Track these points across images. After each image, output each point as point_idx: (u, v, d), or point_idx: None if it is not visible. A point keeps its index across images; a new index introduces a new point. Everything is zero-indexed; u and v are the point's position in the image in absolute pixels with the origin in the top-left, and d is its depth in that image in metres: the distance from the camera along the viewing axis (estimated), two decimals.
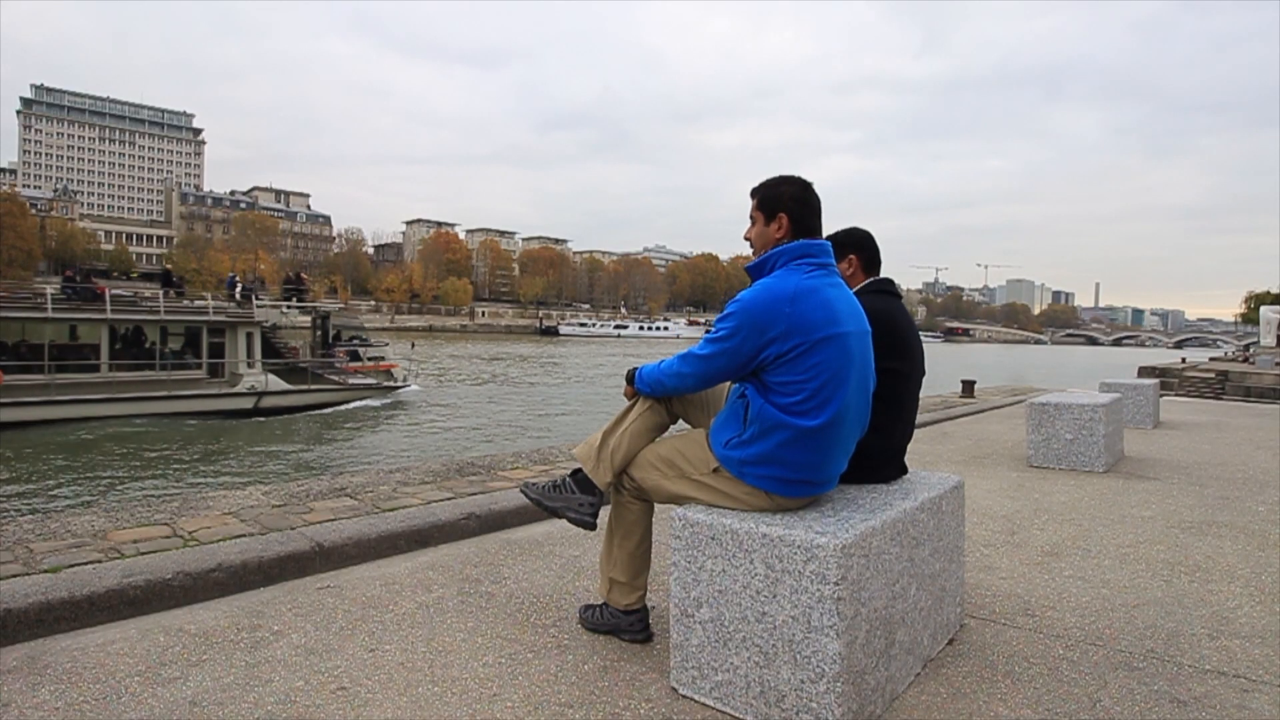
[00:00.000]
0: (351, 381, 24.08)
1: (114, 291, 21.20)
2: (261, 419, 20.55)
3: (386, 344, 30.30)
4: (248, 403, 20.79)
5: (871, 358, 2.11)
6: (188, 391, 19.90)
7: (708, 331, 2.11)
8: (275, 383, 21.48)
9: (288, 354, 24.42)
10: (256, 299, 23.96)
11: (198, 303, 22.76)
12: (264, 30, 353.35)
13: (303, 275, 30.23)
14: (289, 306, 24.67)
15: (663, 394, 2.23)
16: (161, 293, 22.35)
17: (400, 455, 17.10)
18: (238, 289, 24.77)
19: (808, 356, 1.91)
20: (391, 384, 25.19)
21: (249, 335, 21.30)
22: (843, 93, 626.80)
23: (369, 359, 26.33)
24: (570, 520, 2.28)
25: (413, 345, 38.45)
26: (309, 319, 25.26)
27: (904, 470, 2.47)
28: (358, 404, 23.17)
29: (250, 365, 21.27)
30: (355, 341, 27.53)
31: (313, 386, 22.64)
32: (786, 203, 2.11)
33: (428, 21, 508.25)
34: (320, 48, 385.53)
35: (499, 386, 32.35)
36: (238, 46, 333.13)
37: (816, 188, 2.18)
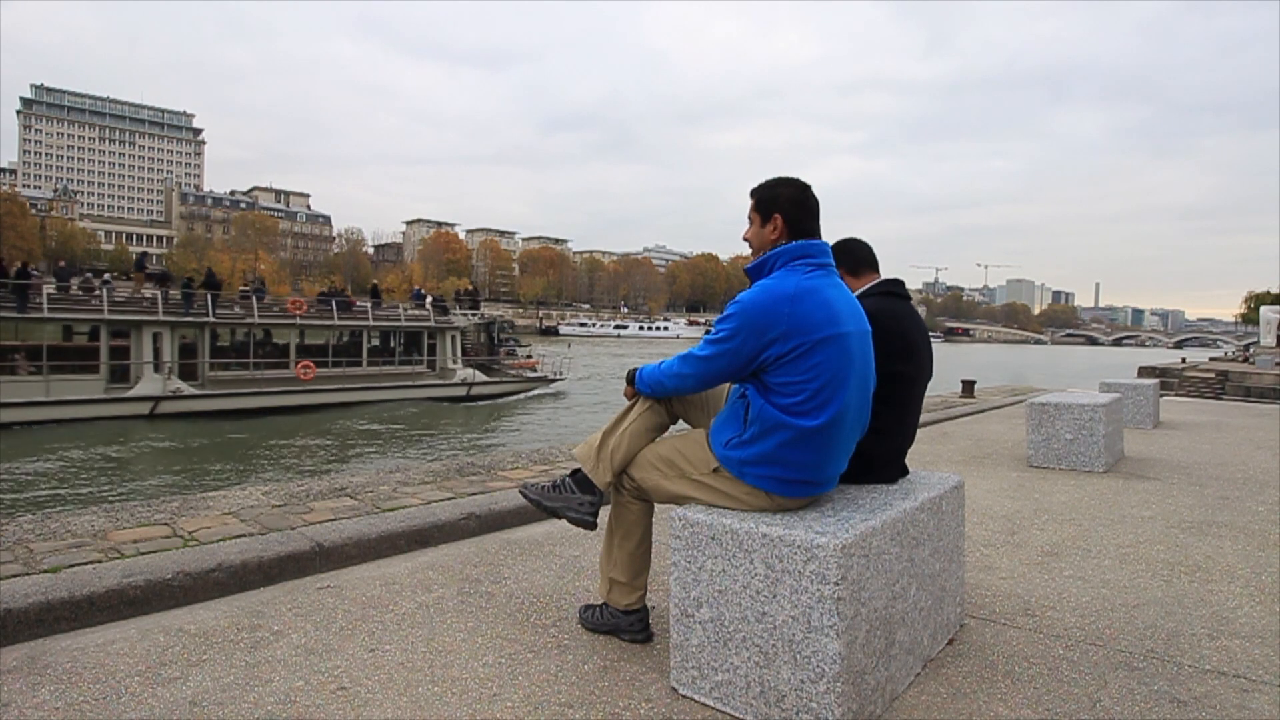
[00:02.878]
0: (526, 375, 30.09)
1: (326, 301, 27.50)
2: (469, 404, 26.45)
3: (530, 345, 38.48)
4: (461, 391, 26.67)
5: (872, 358, 2.11)
6: (419, 382, 25.92)
7: (708, 332, 2.11)
8: (479, 375, 27.78)
9: (470, 353, 29.42)
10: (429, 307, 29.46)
11: (413, 311, 28.48)
12: (271, 32, 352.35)
13: (476, 288, 40.76)
14: (473, 315, 31.05)
15: (663, 395, 2.23)
16: (371, 303, 28.14)
17: (581, 432, 20.55)
18: (427, 299, 30.34)
19: (808, 357, 1.91)
20: (552, 377, 30.58)
21: (453, 337, 27.57)
22: (847, 94, 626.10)
23: (523, 357, 32.69)
24: (570, 520, 2.28)
25: (569, 345, 44.83)
26: (472, 323, 30.89)
27: (905, 471, 2.47)
28: (535, 393, 29.19)
29: (454, 361, 27.33)
30: (511, 343, 34.60)
31: (502, 379, 28.85)
32: (782, 204, 2.11)
33: (435, 23, 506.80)
34: (327, 49, 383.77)
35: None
36: (245, 48, 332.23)
37: (819, 188, 2.18)
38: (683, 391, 2.18)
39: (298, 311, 24.16)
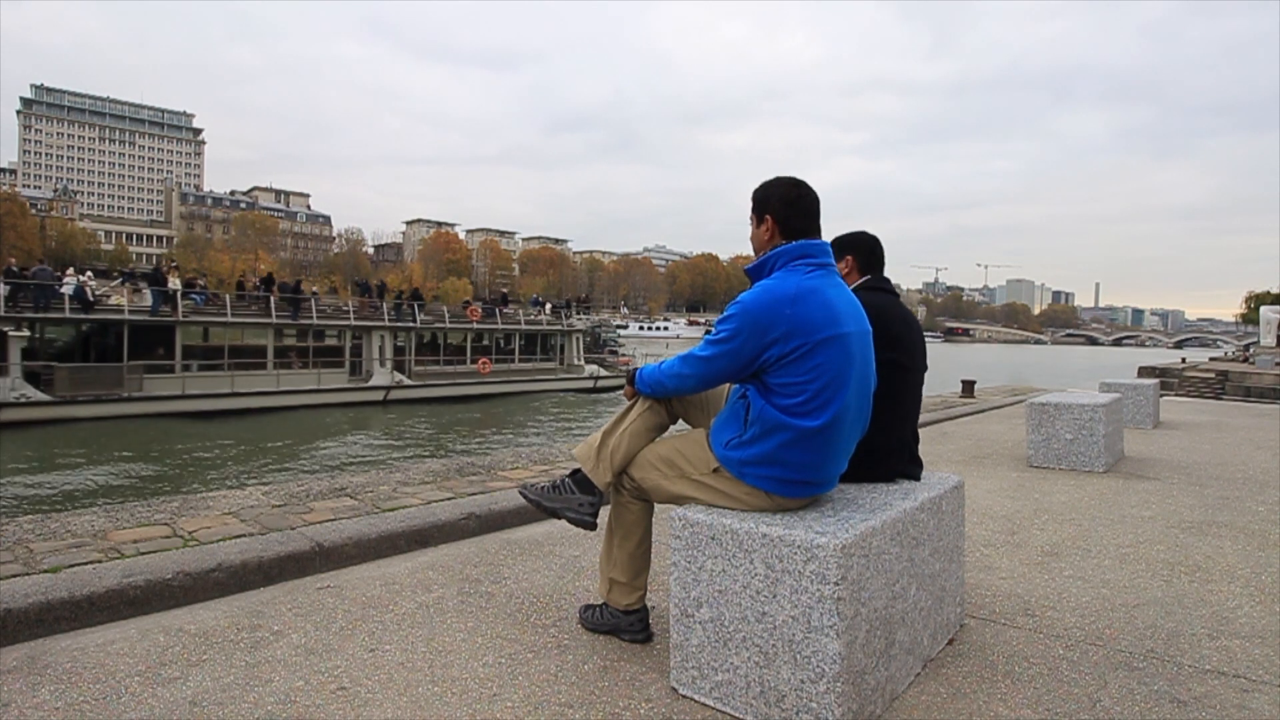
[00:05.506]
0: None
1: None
2: (594, 395, 31.23)
3: (624, 343, 45.46)
4: (589, 384, 32.13)
5: (872, 357, 2.11)
6: (557, 376, 31.82)
7: (708, 332, 2.11)
8: (601, 371, 33.18)
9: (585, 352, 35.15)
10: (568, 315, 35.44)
11: (538, 316, 34.37)
12: (278, 33, 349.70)
13: (588, 296, 50.86)
14: (591, 319, 37.48)
15: (663, 395, 2.23)
16: (514, 309, 34.78)
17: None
18: (547, 306, 36.28)
19: (809, 358, 1.91)
20: None
21: (577, 339, 33.85)
22: (851, 95, 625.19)
23: (621, 354, 39.14)
24: (570, 521, 2.27)
25: (667, 346, 50.11)
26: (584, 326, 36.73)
27: (912, 465, 2.45)
28: None
29: (579, 359, 33.33)
30: (612, 342, 41.45)
31: (619, 374, 33.12)
32: (774, 205, 2.10)
33: (442, 24, 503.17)
34: (333, 50, 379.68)
35: None
36: (251, 49, 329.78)
37: (822, 189, 2.17)
38: (682, 392, 2.18)
39: (474, 318, 30.48)
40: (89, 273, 24.57)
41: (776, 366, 1.93)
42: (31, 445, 17.21)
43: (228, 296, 24.31)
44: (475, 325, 30.30)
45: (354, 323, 26.52)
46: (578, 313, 36.98)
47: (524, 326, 31.99)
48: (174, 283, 22.88)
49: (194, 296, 23.52)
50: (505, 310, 32.68)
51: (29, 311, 19.90)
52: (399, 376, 26.58)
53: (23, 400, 18.90)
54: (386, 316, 27.09)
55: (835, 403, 1.93)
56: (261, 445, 18.84)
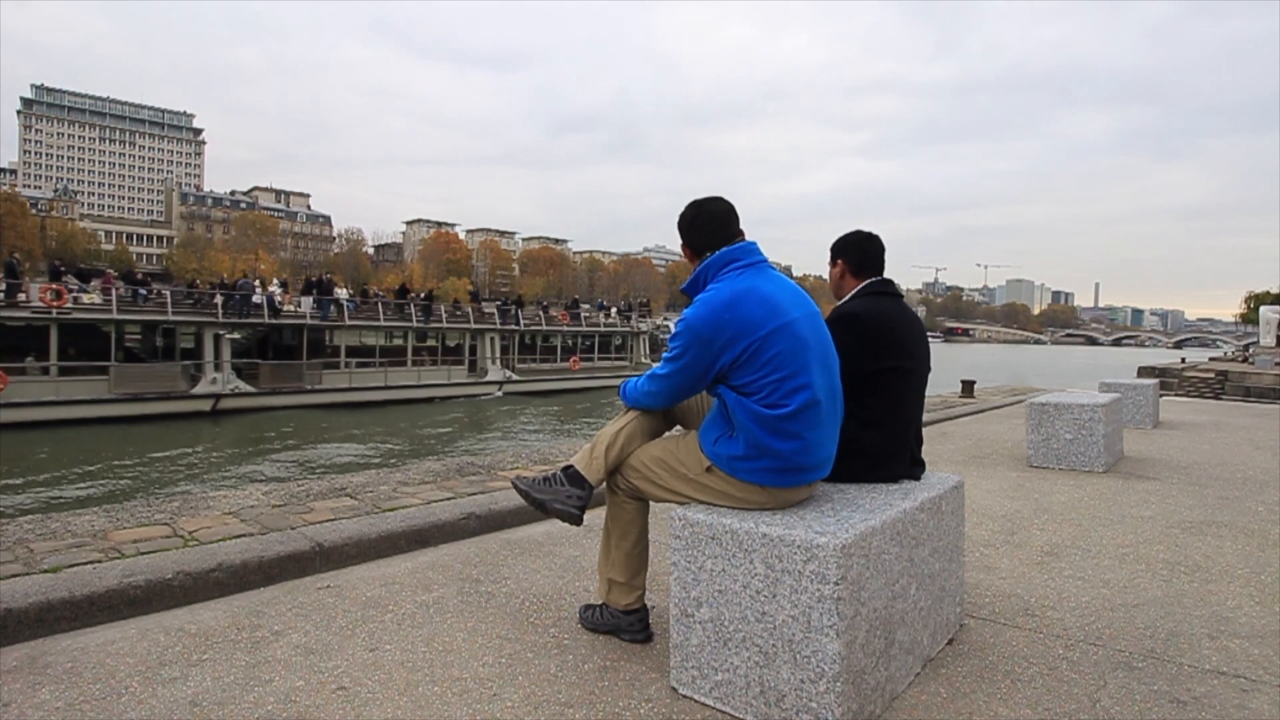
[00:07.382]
0: None
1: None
2: None
3: None
4: None
5: (828, 337, 2.13)
6: (627, 372, 33.95)
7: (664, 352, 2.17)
8: None
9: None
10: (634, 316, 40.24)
11: (612, 319, 38.87)
12: (283, 34, 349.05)
13: (647, 301, 51.34)
14: (651, 321, 41.04)
15: (645, 409, 2.28)
16: (589, 312, 38.95)
17: None
18: (612, 310, 40.82)
19: (762, 352, 1.95)
20: None
21: (644, 339, 38.54)
22: (854, 96, 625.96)
23: None
24: (555, 511, 2.22)
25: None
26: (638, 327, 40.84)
27: (915, 466, 2.45)
28: None
29: (645, 357, 37.51)
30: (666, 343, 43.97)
31: None
32: (684, 233, 2.23)
33: (446, 25, 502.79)
34: (338, 51, 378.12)
35: None
36: (256, 50, 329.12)
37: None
38: (657, 407, 2.26)
39: (564, 321, 35.17)
40: (275, 281, 30.71)
41: (734, 369, 1.99)
42: (248, 428, 20.88)
43: (379, 304, 29.15)
44: (566, 328, 35.03)
45: (472, 326, 31.29)
46: (639, 316, 41.57)
47: (602, 329, 37.07)
48: (340, 292, 28.56)
49: (348, 305, 27.80)
50: (588, 317, 37.23)
51: (234, 316, 23.85)
52: (508, 373, 31.28)
53: (236, 392, 23.27)
54: (497, 320, 31.86)
55: (803, 387, 1.96)
56: (434, 432, 22.06)
